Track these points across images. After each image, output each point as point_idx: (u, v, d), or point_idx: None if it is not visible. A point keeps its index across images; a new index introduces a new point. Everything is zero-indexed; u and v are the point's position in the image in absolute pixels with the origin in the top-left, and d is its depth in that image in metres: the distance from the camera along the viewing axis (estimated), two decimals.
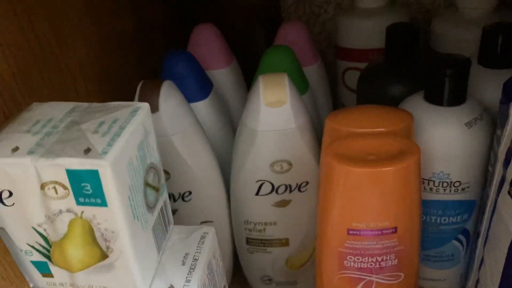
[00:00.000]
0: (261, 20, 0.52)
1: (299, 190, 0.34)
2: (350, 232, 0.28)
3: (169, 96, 0.31)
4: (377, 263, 0.29)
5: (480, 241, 0.32)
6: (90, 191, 0.19)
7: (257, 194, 0.34)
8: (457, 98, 0.31)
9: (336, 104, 0.48)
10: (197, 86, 0.36)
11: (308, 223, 0.36)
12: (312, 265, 0.39)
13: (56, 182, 0.19)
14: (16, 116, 0.23)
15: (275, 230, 0.36)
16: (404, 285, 0.31)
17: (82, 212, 0.20)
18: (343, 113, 0.31)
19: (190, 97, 0.35)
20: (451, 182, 0.32)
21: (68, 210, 0.20)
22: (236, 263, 0.41)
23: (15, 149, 0.19)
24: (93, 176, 0.19)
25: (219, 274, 0.28)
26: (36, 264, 0.22)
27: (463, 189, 0.32)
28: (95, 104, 0.23)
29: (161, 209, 0.24)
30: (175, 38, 0.47)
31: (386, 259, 0.29)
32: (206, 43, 0.41)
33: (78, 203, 0.19)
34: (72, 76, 0.31)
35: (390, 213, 0.27)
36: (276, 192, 0.34)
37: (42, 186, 0.19)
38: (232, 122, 0.41)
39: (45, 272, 0.22)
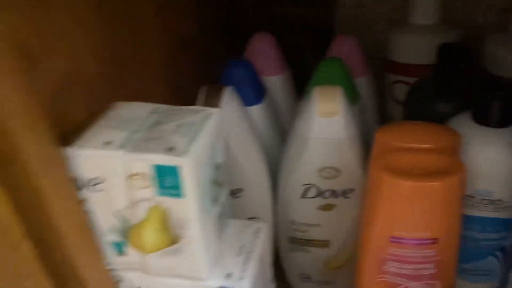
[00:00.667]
0: (313, 31, 0.54)
1: (344, 196, 0.36)
2: (392, 240, 0.30)
3: (229, 101, 0.34)
4: (416, 271, 0.31)
5: None
6: (170, 184, 0.22)
7: (303, 197, 0.37)
8: (505, 120, 0.32)
9: (384, 116, 0.50)
10: (253, 92, 0.39)
11: (349, 227, 0.38)
12: (350, 267, 0.41)
13: (142, 174, 0.22)
14: (101, 113, 0.26)
15: (317, 232, 0.39)
16: None
17: (161, 201, 0.23)
18: (393, 128, 0.32)
19: (247, 102, 0.38)
20: (493, 200, 0.33)
21: (149, 199, 0.23)
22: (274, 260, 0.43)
23: (108, 142, 0.23)
24: (175, 171, 0.21)
25: (268, 268, 0.30)
26: (114, 244, 0.25)
27: (504, 207, 0.34)
28: (171, 107, 0.26)
29: (223, 203, 0.27)
30: (230, 45, 0.50)
31: (425, 268, 0.31)
32: (264, 51, 0.43)
33: (159, 193, 0.22)
34: (142, 77, 0.35)
35: (432, 225, 0.29)
36: (322, 196, 0.36)
37: (129, 177, 0.22)
38: (281, 126, 0.44)
39: (121, 252, 0.25)
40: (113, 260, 0.26)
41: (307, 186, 0.36)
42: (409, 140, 0.31)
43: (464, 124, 0.34)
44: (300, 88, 0.44)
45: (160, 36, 0.38)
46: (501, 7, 0.49)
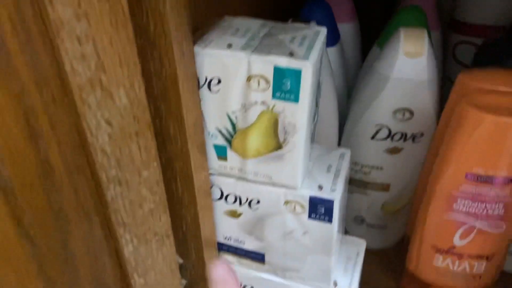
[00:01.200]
0: None
1: (413, 140, 0.37)
2: (468, 176, 0.31)
3: None
4: (485, 210, 0.32)
5: None
6: (288, 88, 0.23)
7: (373, 138, 0.38)
8: None
9: (443, 77, 0.50)
10: (330, 34, 0.40)
11: (412, 173, 0.40)
12: (404, 213, 0.43)
13: (261, 76, 0.23)
14: (211, 24, 0.27)
15: (379, 174, 0.40)
16: (503, 236, 0.34)
17: (274, 105, 0.24)
18: (475, 72, 0.33)
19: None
20: None
21: (263, 103, 0.24)
22: None
23: (230, 45, 0.24)
24: (295, 74, 0.23)
25: (345, 195, 0.32)
26: (216, 147, 0.27)
27: None
28: (278, 23, 0.27)
29: (315, 122, 0.28)
30: None
31: (494, 208, 0.32)
32: None
33: (274, 97, 0.24)
34: (233, 4, 0.36)
35: (509, 164, 0.30)
36: (391, 138, 0.38)
37: (249, 78, 0.24)
38: (348, 73, 0.45)
39: (222, 155, 0.27)
40: (214, 163, 0.28)
41: (379, 127, 0.37)
42: (491, 83, 0.32)
43: None
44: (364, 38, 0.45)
45: None
46: None
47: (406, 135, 0.37)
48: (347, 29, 0.45)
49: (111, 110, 0.18)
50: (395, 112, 0.36)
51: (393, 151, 0.38)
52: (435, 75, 0.35)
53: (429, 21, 0.44)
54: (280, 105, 0.24)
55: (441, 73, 0.48)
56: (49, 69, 0.15)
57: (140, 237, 0.22)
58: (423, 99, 0.35)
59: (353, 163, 0.40)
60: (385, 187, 0.41)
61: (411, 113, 0.36)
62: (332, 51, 0.41)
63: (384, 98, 0.36)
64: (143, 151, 0.21)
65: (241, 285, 0.33)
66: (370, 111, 0.37)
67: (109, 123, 0.18)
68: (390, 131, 0.37)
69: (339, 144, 0.41)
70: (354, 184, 0.42)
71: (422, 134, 0.37)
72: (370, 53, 0.43)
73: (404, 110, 0.36)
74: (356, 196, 0.42)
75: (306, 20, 0.35)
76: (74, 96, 0.16)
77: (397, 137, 0.37)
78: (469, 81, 0.32)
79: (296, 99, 0.23)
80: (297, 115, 0.24)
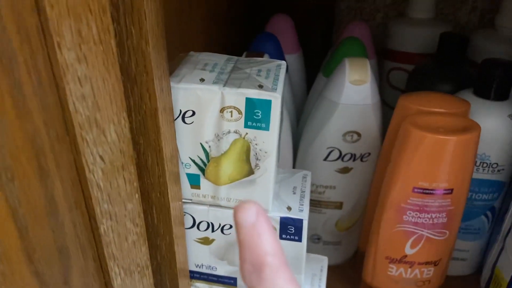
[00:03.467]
0: (318, 19, 0.58)
1: (361, 160, 0.41)
2: (415, 190, 0.34)
3: None
4: (431, 219, 0.36)
5: (510, 214, 0.39)
6: (259, 117, 0.25)
7: (325, 159, 0.41)
8: (503, 94, 0.38)
9: None
10: None
11: (362, 190, 0.43)
12: (356, 229, 0.46)
13: (234, 107, 0.25)
14: (179, 60, 0.28)
15: (332, 194, 0.43)
16: (447, 242, 0.37)
17: (246, 133, 0.26)
18: (413, 95, 0.37)
19: None
20: (490, 163, 0.39)
21: (236, 132, 0.26)
22: None
23: (202, 79, 0.25)
24: (266, 105, 0.25)
25: None
26: (189, 176, 0.28)
27: (498, 171, 0.39)
28: (242, 58, 0.29)
29: (279, 146, 0.30)
30: (249, 24, 0.54)
31: (439, 217, 0.35)
32: (283, 29, 0.47)
33: (246, 126, 0.25)
34: (191, 41, 0.37)
35: (450, 176, 0.34)
36: (342, 159, 0.41)
37: (222, 110, 0.25)
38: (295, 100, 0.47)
39: (195, 184, 0.28)
40: (186, 192, 0.28)
41: (330, 149, 0.40)
42: (428, 105, 0.36)
43: (467, 98, 0.39)
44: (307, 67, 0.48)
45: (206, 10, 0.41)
46: (482, 9, 0.56)
47: (355, 155, 0.40)
48: (292, 59, 0.48)
49: (104, 145, 0.19)
50: (345, 135, 0.39)
51: (344, 170, 0.41)
52: (377, 99, 0.39)
53: (369, 50, 0.48)
54: (252, 133, 0.26)
55: None
56: (54, 109, 0.15)
57: (126, 269, 0.22)
58: (369, 121, 0.39)
59: None
60: (338, 205, 0.43)
61: (359, 135, 0.39)
62: None
63: (334, 123, 0.39)
64: (128, 184, 0.22)
65: None
66: (321, 135, 0.40)
67: (102, 158, 0.19)
68: (340, 153, 0.40)
69: (293, 166, 0.43)
70: (310, 203, 0.44)
71: (369, 154, 0.40)
72: (316, 81, 0.46)
73: (352, 132, 0.39)
74: (312, 216, 0.44)
75: (258, 52, 0.37)
76: (76, 134, 0.16)
77: (347, 157, 0.40)
78: (409, 104, 0.36)
79: (267, 127, 0.25)
80: (268, 142, 0.26)
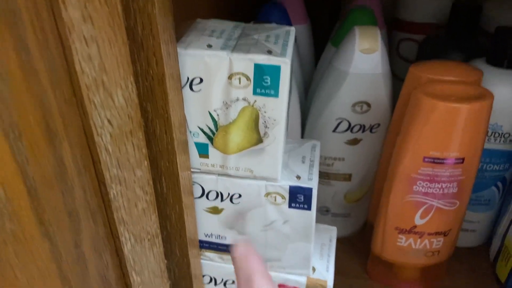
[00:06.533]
0: None
1: (370, 131, 0.40)
2: (426, 159, 0.34)
3: None
4: (441, 190, 0.35)
5: None
6: (268, 83, 0.24)
7: (334, 131, 0.40)
8: None
9: None
10: None
11: (371, 162, 0.42)
12: (365, 201, 0.45)
13: (242, 74, 0.24)
14: (185, 27, 0.28)
15: (341, 166, 0.42)
16: (457, 212, 0.37)
17: (255, 101, 0.25)
18: (424, 64, 0.36)
19: None
20: (502, 133, 0.38)
21: (244, 99, 0.25)
22: None
23: (209, 45, 0.25)
24: (275, 70, 0.24)
25: None
26: (198, 145, 0.28)
27: (510, 141, 0.39)
28: (249, 25, 0.29)
29: (288, 116, 0.30)
30: None
31: (449, 187, 0.35)
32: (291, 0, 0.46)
33: (255, 93, 0.25)
34: (197, 9, 0.36)
35: (461, 145, 0.33)
36: (351, 130, 0.40)
37: (230, 76, 0.25)
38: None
39: (203, 153, 0.28)
40: (195, 161, 0.28)
41: (339, 120, 0.40)
42: (440, 74, 0.35)
43: (480, 66, 0.38)
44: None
45: None
46: None
47: (364, 126, 0.40)
48: (300, 30, 0.47)
49: (112, 110, 0.18)
50: (354, 105, 0.38)
51: (353, 142, 0.41)
52: (387, 69, 0.38)
53: (379, 20, 0.47)
54: (261, 101, 0.25)
55: None
56: (61, 70, 0.15)
57: (136, 236, 0.22)
58: (379, 91, 0.38)
59: None
60: (347, 177, 0.43)
61: (368, 105, 0.39)
62: None
63: (344, 93, 0.38)
64: (136, 150, 0.21)
65: (221, 280, 0.34)
66: (330, 106, 0.39)
67: (110, 122, 0.18)
68: (350, 124, 0.40)
69: (302, 138, 0.43)
70: (319, 176, 0.44)
71: (378, 125, 0.40)
72: (325, 51, 0.46)
73: (362, 103, 0.38)
74: (321, 188, 0.44)
75: (266, 22, 0.36)
76: (83, 95, 0.16)
77: (356, 128, 0.40)
78: (420, 73, 0.35)
79: (276, 94, 0.25)
80: (277, 109, 0.25)
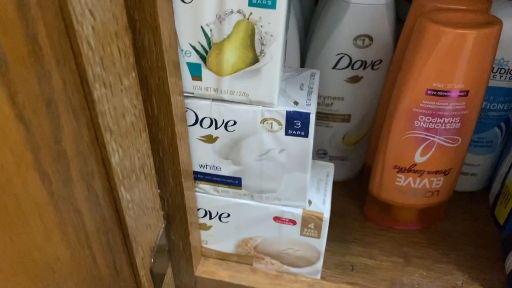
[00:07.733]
0: None
1: (372, 67, 0.39)
2: (429, 92, 0.33)
3: None
4: (443, 125, 0.34)
5: None
6: None
7: (334, 67, 0.39)
8: None
9: None
10: None
11: (371, 102, 0.41)
12: (363, 144, 0.44)
13: None
14: None
15: (341, 105, 0.41)
16: (459, 150, 0.36)
17: (251, 13, 0.24)
18: None
19: None
20: (508, 69, 0.37)
21: (239, 11, 0.24)
22: None
23: None
24: None
25: None
26: (190, 65, 0.26)
27: None
28: None
29: (287, 38, 0.28)
30: None
31: (452, 122, 0.34)
32: None
33: (250, 3, 0.23)
34: None
35: (466, 77, 0.32)
36: (352, 67, 0.39)
37: None
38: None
39: (196, 75, 0.26)
40: (187, 85, 0.27)
41: (340, 55, 0.38)
42: (446, 2, 0.33)
43: None
44: None
45: None
46: None
47: (366, 62, 0.38)
48: None
49: (94, 1, 0.17)
50: (356, 38, 0.37)
51: (354, 80, 0.39)
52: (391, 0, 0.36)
53: None
54: (257, 13, 0.24)
55: None
56: None
57: (125, 149, 0.21)
58: (382, 24, 0.36)
59: None
60: (346, 118, 0.42)
61: (371, 39, 0.37)
62: None
63: (345, 25, 0.36)
64: (123, 56, 0.20)
65: (217, 214, 0.33)
66: (331, 40, 0.37)
67: (92, 14, 0.17)
68: (351, 60, 0.38)
69: None
70: (317, 117, 0.42)
71: (380, 61, 0.38)
72: None
73: (364, 36, 0.37)
74: (319, 129, 0.43)
75: None
76: None
77: (357, 65, 0.38)
78: (425, 2, 0.33)
79: (273, 5, 0.23)
80: (274, 22, 0.24)
